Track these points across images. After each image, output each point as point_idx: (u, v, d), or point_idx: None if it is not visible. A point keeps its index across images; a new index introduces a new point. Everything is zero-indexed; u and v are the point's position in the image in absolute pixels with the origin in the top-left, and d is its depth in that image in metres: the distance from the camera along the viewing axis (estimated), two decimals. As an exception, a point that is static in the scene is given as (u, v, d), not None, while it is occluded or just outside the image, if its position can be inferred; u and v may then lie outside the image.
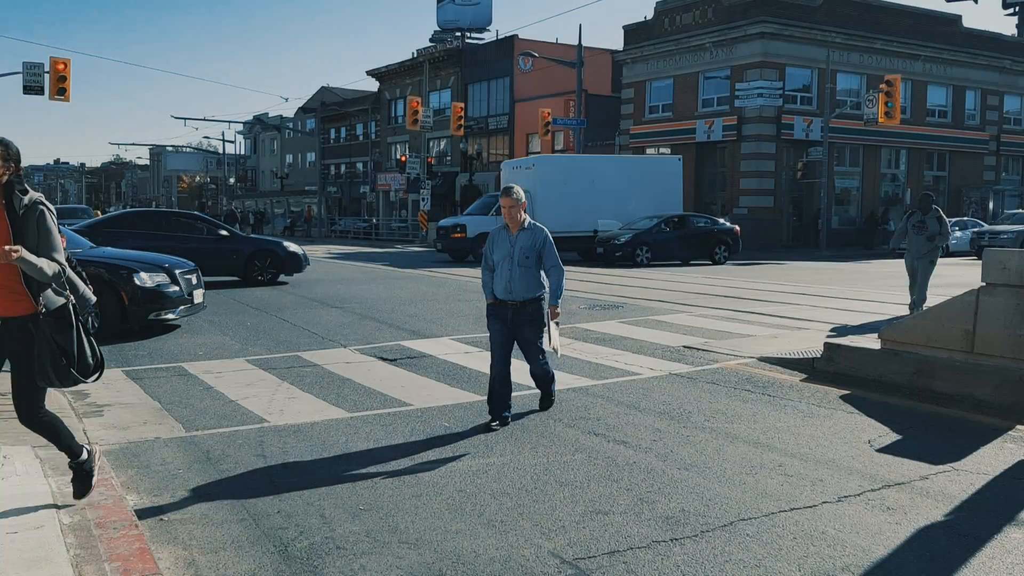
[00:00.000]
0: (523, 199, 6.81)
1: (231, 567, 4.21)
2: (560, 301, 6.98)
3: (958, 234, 31.57)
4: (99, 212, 42.19)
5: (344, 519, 4.83)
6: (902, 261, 13.53)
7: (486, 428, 6.73)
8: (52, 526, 4.39)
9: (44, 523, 4.42)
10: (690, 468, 5.79)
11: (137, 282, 11.09)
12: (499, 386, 6.85)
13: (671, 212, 28.89)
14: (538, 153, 48.62)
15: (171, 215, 19.99)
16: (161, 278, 11.38)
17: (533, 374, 7.24)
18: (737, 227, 28.73)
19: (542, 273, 6.90)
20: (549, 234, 6.93)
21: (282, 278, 19.28)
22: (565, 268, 7.17)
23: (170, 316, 11.48)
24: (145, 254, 12.62)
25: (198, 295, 12.05)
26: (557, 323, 7.08)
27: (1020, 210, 36.30)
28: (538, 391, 7.46)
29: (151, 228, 18.01)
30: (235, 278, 18.72)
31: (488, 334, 7.14)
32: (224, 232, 18.91)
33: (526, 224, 6.86)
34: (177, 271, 11.68)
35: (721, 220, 29.85)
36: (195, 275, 12.15)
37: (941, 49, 40.52)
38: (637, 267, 25.07)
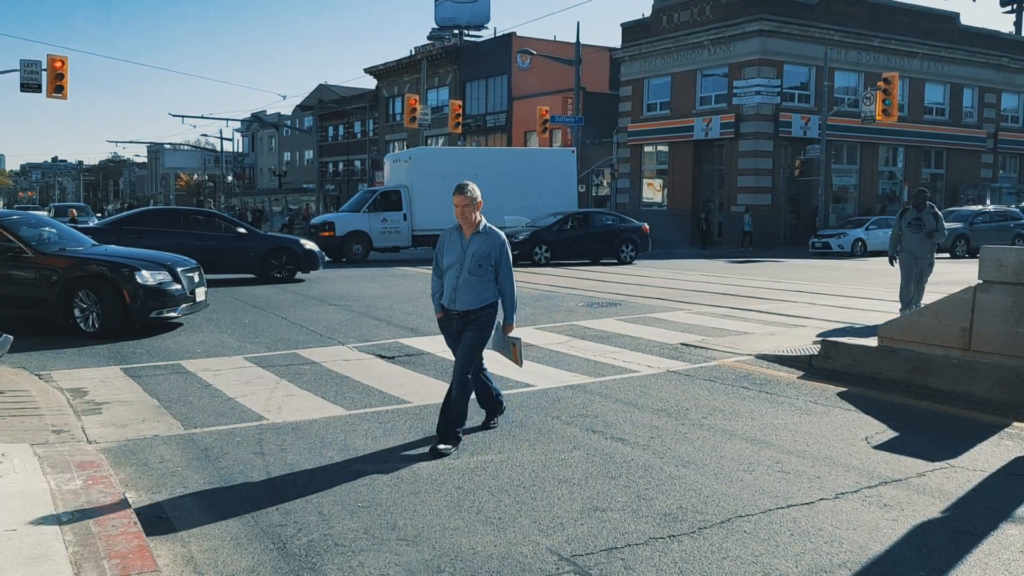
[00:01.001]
0: (478, 197, 6.09)
1: (230, 564, 4.22)
2: (515, 317, 6.39)
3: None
4: (102, 212, 42.12)
5: (342, 516, 4.84)
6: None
7: (435, 450, 6.01)
8: (51, 524, 4.39)
9: (43, 520, 4.43)
10: (688, 465, 5.80)
11: (139, 280, 11.03)
12: (479, 386, 6.52)
13: (567, 206, 28.11)
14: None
15: (190, 213, 20.00)
16: (163, 276, 11.32)
17: (451, 387, 6.29)
18: (646, 225, 27.75)
19: (494, 283, 6.21)
20: (507, 241, 6.26)
21: (299, 275, 19.45)
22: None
23: (172, 314, 11.43)
24: (147, 252, 12.60)
25: (200, 293, 12.02)
26: (516, 340, 6.43)
27: (961, 207, 35.34)
28: (540, 389, 7.43)
29: (170, 226, 18.23)
30: (252, 275, 18.86)
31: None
32: (242, 230, 19.14)
33: (481, 227, 6.14)
34: (179, 269, 11.64)
35: (629, 218, 28.66)
36: (197, 273, 12.12)
37: (939, 47, 40.54)
38: (536, 266, 24.20)
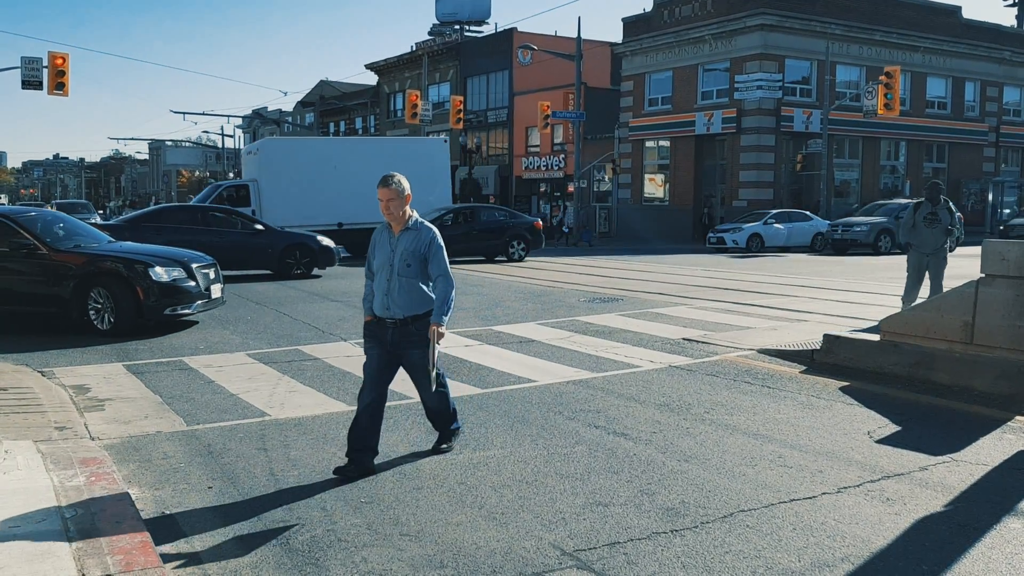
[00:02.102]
0: (406, 190, 5.52)
1: (233, 560, 4.23)
2: (447, 319, 5.58)
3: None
4: (104, 209, 42.07)
5: (345, 512, 4.85)
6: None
7: (343, 472, 5.45)
8: (54, 520, 4.40)
9: (46, 517, 4.44)
10: (690, 460, 5.81)
11: (152, 276, 10.91)
12: (366, 419, 5.57)
13: (440, 199, 26.71)
14: (537, 147, 48.67)
15: (208, 210, 19.98)
16: (177, 272, 11.20)
17: (426, 407, 5.95)
18: (538, 221, 26.74)
19: (429, 285, 5.62)
20: (439, 235, 5.67)
21: (315, 271, 19.53)
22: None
23: (186, 311, 11.31)
24: (162, 248, 12.48)
25: (216, 290, 11.87)
26: (437, 345, 5.57)
27: (886, 201, 33.71)
28: (543, 384, 7.44)
29: (188, 223, 18.32)
30: (269, 272, 18.94)
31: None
32: (259, 226, 19.18)
33: (411, 223, 5.59)
34: (194, 265, 11.49)
35: (521, 213, 27.21)
36: (213, 269, 11.95)
37: (941, 40, 40.45)
38: None
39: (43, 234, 11.23)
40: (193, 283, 11.35)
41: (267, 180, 25.39)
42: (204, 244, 15.24)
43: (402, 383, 8.14)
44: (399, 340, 5.55)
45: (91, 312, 10.89)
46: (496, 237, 25.05)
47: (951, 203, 11.89)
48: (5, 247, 10.96)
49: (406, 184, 5.55)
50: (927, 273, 11.61)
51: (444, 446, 6.03)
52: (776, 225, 31.07)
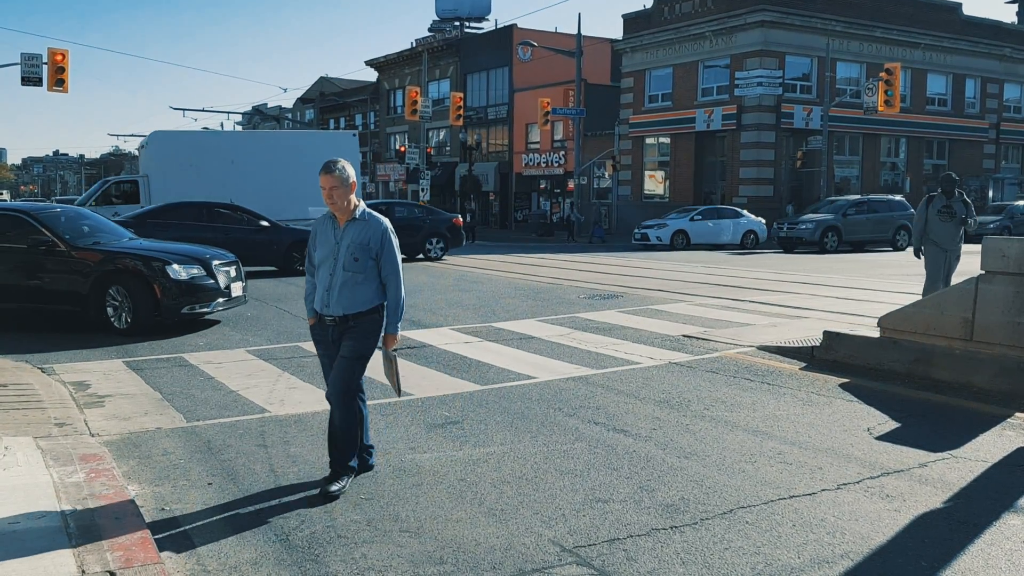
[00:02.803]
0: (351, 177, 5.03)
1: (233, 556, 4.23)
2: (400, 327, 5.21)
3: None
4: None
5: (345, 508, 4.85)
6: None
7: (325, 493, 4.97)
8: (54, 517, 4.40)
9: (46, 513, 4.44)
10: (690, 456, 5.81)
11: (170, 274, 10.69)
12: (348, 420, 5.17)
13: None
14: (537, 144, 48.62)
15: (213, 206, 19.89)
16: (196, 270, 10.95)
17: (330, 421, 5.16)
18: (458, 217, 25.85)
19: (378, 281, 5.13)
20: (391, 228, 5.18)
21: None
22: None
23: (205, 310, 11.07)
24: (183, 245, 12.21)
25: (237, 288, 11.62)
26: (394, 356, 5.18)
27: (839, 197, 32.80)
28: (542, 381, 7.40)
29: (194, 219, 18.25)
30: (274, 268, 18.90)
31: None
32: (264, 223, 19.13)
33: (358, 213, 5.10)
34: (214, 263, 11.22)
35: (439, 210, 26.24)
36: (234, 267, 11.70)
37: (941, 37, 40.43)
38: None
39: (63, 231, 10.99)
40: (213, 281, 11.08)
41: (157, 175, 24.28)
42: (209, 240, 15.19)
43: (401, 379, 8.15)
44: (337, 337, 5.11)
45: (109, 310, 10.70)
46: (412, 235, 23.42)
47: (965, 195, 11.46)
48: (23, 243, 10.79)
49: (351, 171, 5.06)
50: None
51: (333, 488, 4.98)
52: (703, 222, 30.41)
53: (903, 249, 28.22)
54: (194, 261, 11.12)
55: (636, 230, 31.85)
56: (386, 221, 5.18)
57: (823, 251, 28.18)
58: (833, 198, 32.50)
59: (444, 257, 24.31)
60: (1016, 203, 35.15)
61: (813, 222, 28.79)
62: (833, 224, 28.68)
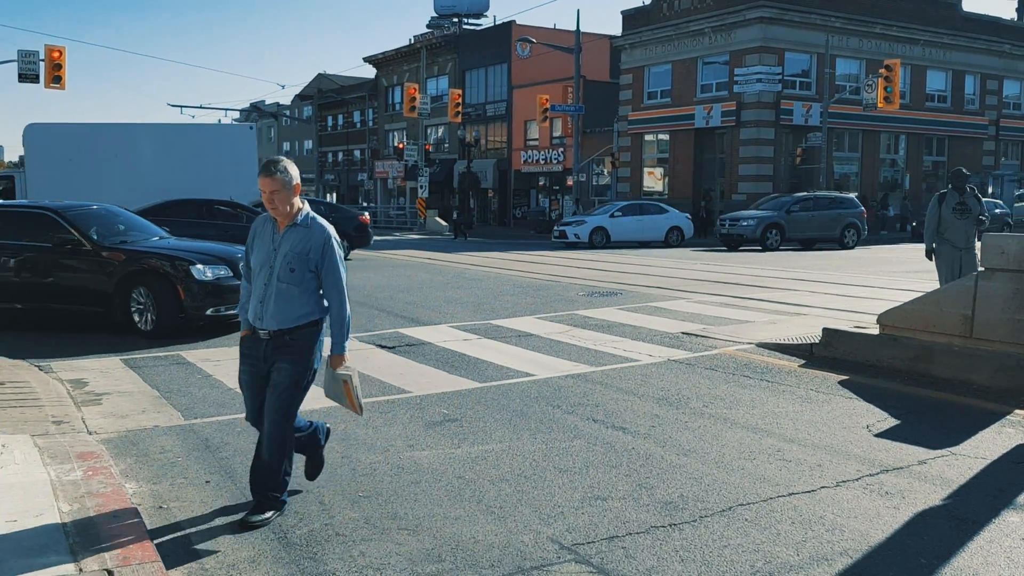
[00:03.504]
0: (294, 179, 4.57)
1: (231, 555, 4.21)
2: (348, 345, 4.71)
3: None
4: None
5: (343, 506, 4.84)
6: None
7: (245, 522, 4.54)
8: (51, 514, 4.39)
9: (43, 511, 4.43)
10: (689, 454, 5.80)
11: (194, 275, 10.37)
12: (305, 437, 4.98)
13: (247, 192, 23.12)
14: (536, 141, 48.59)
15: (213, 203, 19.84)
16: (222, 271, 10.59)
17: (256, 455, 4.68)
18: (365, 215, 24.69)
19: (317, 293, 4.68)
20: (335, 236, 4.71)
21: None
22: None
23: (231, 312, 10.49)
24: (211, 244, 11.88)
25: None
26: (347, 376, 4.70)
27: (778, 194, 31.71)
28: (541, 378, 7.39)
29: (194, 216, 18.27)
30: None
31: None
32: None
33: (300, 218, 4.64)
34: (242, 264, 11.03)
35: (346, 207, 24.63)
36: None
37: (940, 33, 40.38)
38: None
39: (90, 229, 10.79)
40: (239, 282, 10.96)
41: (33, 170, 23.02)
42: (210, 238, 15.18)
43: (399, 377, 8.15)
44: (270, 354, 4.62)
45: (134, 312, 10.46)
46: None
47: (977, 190, 11.12)
48: (49, 242, 10.58)
49: (294, 171, 4.59)
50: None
51: (255, 518, 4.53)
52: (624, 219, 29.39)
53: (851, 247, 27.54)
54: (221, 261, 10.75)
55: (555, 227, 30.68)
56: (330, 228, 4.71)
57: (765, 249, 27.08)
58: (777, 194, 31.72)
59: (350, 257, 22.28)
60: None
61: (755, 219, 27.80)
62: (775, 221, 27.63)
